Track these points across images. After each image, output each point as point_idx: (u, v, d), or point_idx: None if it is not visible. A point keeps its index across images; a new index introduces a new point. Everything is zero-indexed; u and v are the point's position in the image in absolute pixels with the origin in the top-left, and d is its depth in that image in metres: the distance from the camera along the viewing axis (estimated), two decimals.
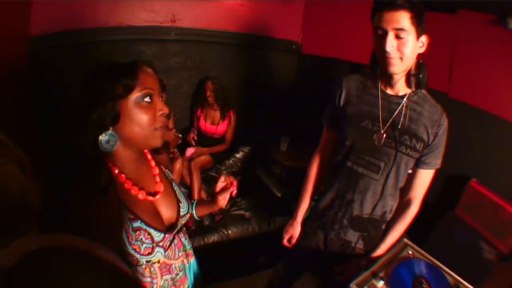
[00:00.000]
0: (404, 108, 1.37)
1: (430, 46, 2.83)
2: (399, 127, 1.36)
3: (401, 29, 1.20)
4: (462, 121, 2.64)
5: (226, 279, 2.40)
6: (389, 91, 1.40)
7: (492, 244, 2.28)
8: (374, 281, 1.30)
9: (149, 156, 1.14)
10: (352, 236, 1.53)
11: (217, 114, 3.28)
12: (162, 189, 1.10)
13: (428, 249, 2.42)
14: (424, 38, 1.28)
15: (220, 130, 3.31)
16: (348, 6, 3.16)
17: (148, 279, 1.04)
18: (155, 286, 1.06)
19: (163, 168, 1.20)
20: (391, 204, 1.50)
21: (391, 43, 1.22)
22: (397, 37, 1.22)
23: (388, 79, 1.37)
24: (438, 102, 2.46)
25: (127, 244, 0.95)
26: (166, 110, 0.98)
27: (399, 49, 1.23)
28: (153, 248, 1.01)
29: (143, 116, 0.93)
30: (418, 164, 1.43)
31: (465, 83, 2.63)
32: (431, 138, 1.38)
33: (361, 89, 1.45)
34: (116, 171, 0.99)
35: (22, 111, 2.47)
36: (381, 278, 1.30)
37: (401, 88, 1.38)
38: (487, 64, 2.46)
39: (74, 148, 0.93)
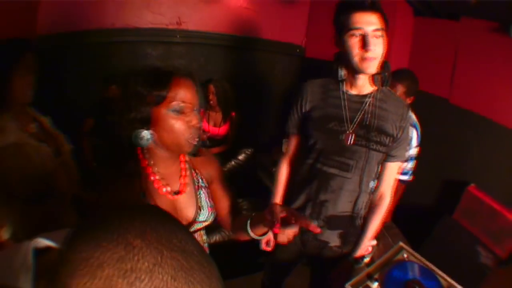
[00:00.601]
0: (370, 106, 1.40)
1: (432, 51, 2.84)
2: (367, 124, 1.40)
3: (380, 29, 1.26)
4: (462, 126, 2.67)
5: (227, 278, 2.43)
6: (353, 92, 1.44)
7: (489, 249, 2.30)
8: (369, 283, 1.34)
9: (182, 158, 1.18)
10: (329, 235, 1.54)
11: (219, 116, 3.31)
12: (185, 191, 1.14)
13: (425, 252, 2.44)
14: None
15: (222, 132, 3.34)
16: None
17: None
18: None
19: (195, 174, 1.22)
20: (364, 200, 1.52)
21: (374, 43, 1.27)
22: (375, 37, 1.27)
23: (354, 80, 1.41)
24: (439, 107, 2.49)
25: None
26: (196, 124, 1.02)
27: (376, 49, 1.29)
28: None
29: (173, 126, 0.99)
30: (387, 158, 1.47)
31: (466, 90, 2.65)
32: (399, 132, 1.41)
33: (324, 92, 1.48)
34: (146, 164, 1.07)
35: None
36: (376, 280, 1.34)
37: (365, 87, 1.42)
38: (488, 71, 2.48)
39: (110, 138, 1.05)
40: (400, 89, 2.23)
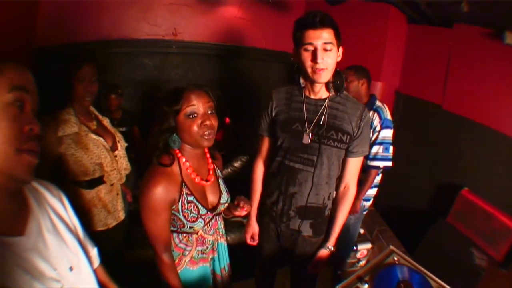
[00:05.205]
0: (326, 108, 1.57)
1: (425, 58, 2.86)
2: (324, 124, 1.56)
3: (329, 43, 1.41)
4: (454, 131, 2.70)
5: None
6: (312, 96, 1.61)
7: (484, 251, 2.31)
8: (359, 285, 1.35)
9: (208, 155, 1.52)
10: (300, 224, 1.69)
11: None
12: (212, 179, 1.46)
13: (420, 255, 2.47)
14: (341, 49, 1.50)
15: (217, 139, 3.33)
16: (345, 16, 3.22)
17: (182, 246, 1.42)
18: (187, 253, 1.43)
19: (216, 167, 1.56)
20: (329, 191, 1.68)
21: (322, 56, 1.42)
22: (325, 50, 1.41)
23: (311, 87, 1.58)
24: (432, 113, 2.52)
25: (180, 211, 1.32)
26: (207, 122, 1.29)
27: (326, 61, 1.44)
28: (197, 218, 1.36)
29: (190, 127, 1.28)
30: (348, 154, 1.63)
31: (458, 96, 2.69)
32: (355, 130, 1.58)
33: (288, 98, 1.66)
34: (183, 160, 1.37)
35: None
36: (366, 282, 1.35)
37: (323, 93, 1.59)
38: (480, 77, 2.52)
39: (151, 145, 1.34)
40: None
